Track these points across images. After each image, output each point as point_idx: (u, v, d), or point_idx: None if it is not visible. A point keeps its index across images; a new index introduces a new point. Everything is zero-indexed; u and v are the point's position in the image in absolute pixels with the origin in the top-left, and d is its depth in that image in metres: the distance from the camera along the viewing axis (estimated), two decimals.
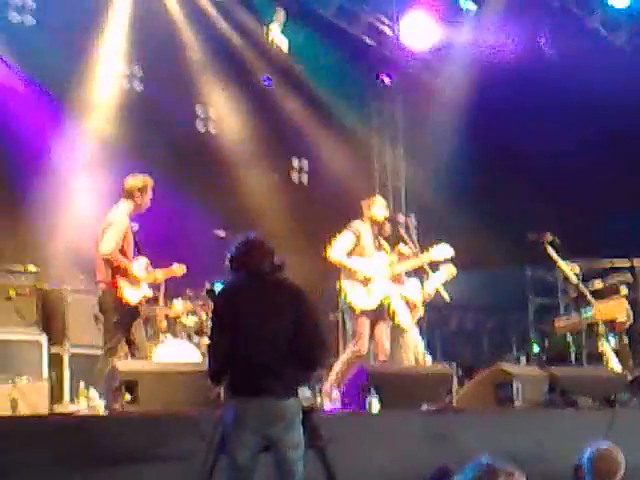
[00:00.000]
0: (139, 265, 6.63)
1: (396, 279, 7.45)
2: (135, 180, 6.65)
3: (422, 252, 7.36)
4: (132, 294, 6.46)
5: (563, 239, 7.82)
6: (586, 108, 9.68)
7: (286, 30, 9.60)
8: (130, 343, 6.43)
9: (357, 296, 7.07)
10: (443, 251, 7.36)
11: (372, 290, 7.10)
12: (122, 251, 6.48)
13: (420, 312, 7.70)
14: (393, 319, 7.32)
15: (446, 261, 7.51)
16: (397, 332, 7.55)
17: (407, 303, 7.45)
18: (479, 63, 9.89)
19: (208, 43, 9.74)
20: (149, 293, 6.73)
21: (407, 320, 7.45)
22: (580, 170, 10.01)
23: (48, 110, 8.67)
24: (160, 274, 6.87)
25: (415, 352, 7.58)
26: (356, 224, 7.25)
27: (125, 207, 6.58)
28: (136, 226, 6.71)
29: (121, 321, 6.40)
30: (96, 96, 9.16)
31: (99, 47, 9.15)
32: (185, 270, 7.00)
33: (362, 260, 7.15)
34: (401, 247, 7.43)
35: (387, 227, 7.37)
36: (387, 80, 10.76)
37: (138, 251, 6.65)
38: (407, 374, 6.63)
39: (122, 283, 6.43)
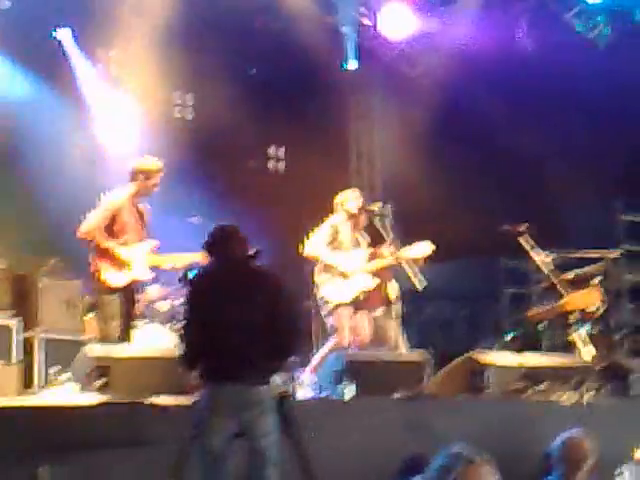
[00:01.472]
0: (139, 248, 6.54)
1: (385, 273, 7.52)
2: (141, 163, 6.61)
3: (401, 248, 7.34)
4: (115, 276, 6.38)
5: (537, 229, 7.89)
6: (561, 100, 9.75)
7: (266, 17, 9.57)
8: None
9: (333, 290, 7.08)
10: (421, 249, 7.34)
11: (349, 284, 7.11)
12: (111, 232, 6.42)
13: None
14: (389, 304, 7.45)
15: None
16: (388, 317, 7.61)
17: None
18: (457, 54, 9.91)
19: (186, 29, 9.68)
20: (145, 276, 6.61)
21: (399, 308, 7.55)
22: (556, 161, 10.08)
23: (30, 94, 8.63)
24: (176, 259, 6.75)
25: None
26: (333, 219, 7.25)
27: (126, 189, 6.54)
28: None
29: (108, 305, 6.34)
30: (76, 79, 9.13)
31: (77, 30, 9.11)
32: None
33: (339, 255, 7.15)
34: (382, 248, 7.43)
35: (363, 218, 7.37)
36: (352, 66, 10.72)
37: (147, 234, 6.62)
38: (382, 361, 6.66)
39: (102, 265, 6.37)
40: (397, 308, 7.57)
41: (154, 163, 6.65)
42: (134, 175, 6.60)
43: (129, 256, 6.46)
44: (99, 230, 6.40)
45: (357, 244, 7.29)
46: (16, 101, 8.66)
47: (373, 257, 7.33)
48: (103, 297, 6.38)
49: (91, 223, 6.40)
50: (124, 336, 6.35)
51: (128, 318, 6.46)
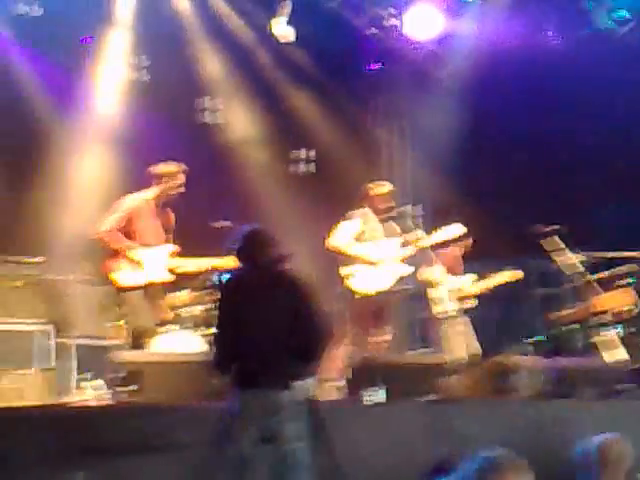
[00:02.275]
0: (157, 251, 6.58)
1: (451, 269, 7.68)
2: (162, 166, 6.69)
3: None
4: (129, 277, 6.43)
5: (568, 230, 7.85)
6: (592, 98, 9.65)
7: (292, 21, 9.60)
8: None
9: (359, 280, 7.07)
10: (452, 231, 7.39)
11: (383, 273, 7.10)
12: (128, 235, 6.48)
13: (470, 303, 7.82)
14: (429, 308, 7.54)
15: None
16: (439, 322, 7.60)
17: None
18: (484, 53, 9.86)
19: (214, 34, 9.75)
20: (162, 278, 6.60)
21: (448, 308, 7.48)
22: (587, 160, 9.99)
23: (56, 96, 8.73)
24: (198, 263, 6.76)
25: (467, 340, 7.63)
26: (359, 211, 7.27)
27: (146, 192, 6.62)
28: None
29: (126, 305, 6.39)
30: (103, 84, 9.22)
31: (106, 36, 9.20)
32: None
33: (368, 244, 7.14)
34: (417, 233, 7.43)
35: (389, 212, 7.40)
36: (377, 67, 10.71)
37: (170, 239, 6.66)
38: (409, 364, 6.66)
39: (116, 265, 6.44)
40: (437, 308, 7.59)
41: (175, 165, 6.71)
42: (155, 178, 6.66)
43: (143, 257, 6.50)
44: (113, 231, 6.45)
45: (389, 233, 7.30)
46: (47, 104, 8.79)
47: (406, 245, 7.35)
48: (120, 297, 6.44)
49: (107, 225, 6.47)
50: (145, 337, 6.39)
51: (149, 319, 6.49)
